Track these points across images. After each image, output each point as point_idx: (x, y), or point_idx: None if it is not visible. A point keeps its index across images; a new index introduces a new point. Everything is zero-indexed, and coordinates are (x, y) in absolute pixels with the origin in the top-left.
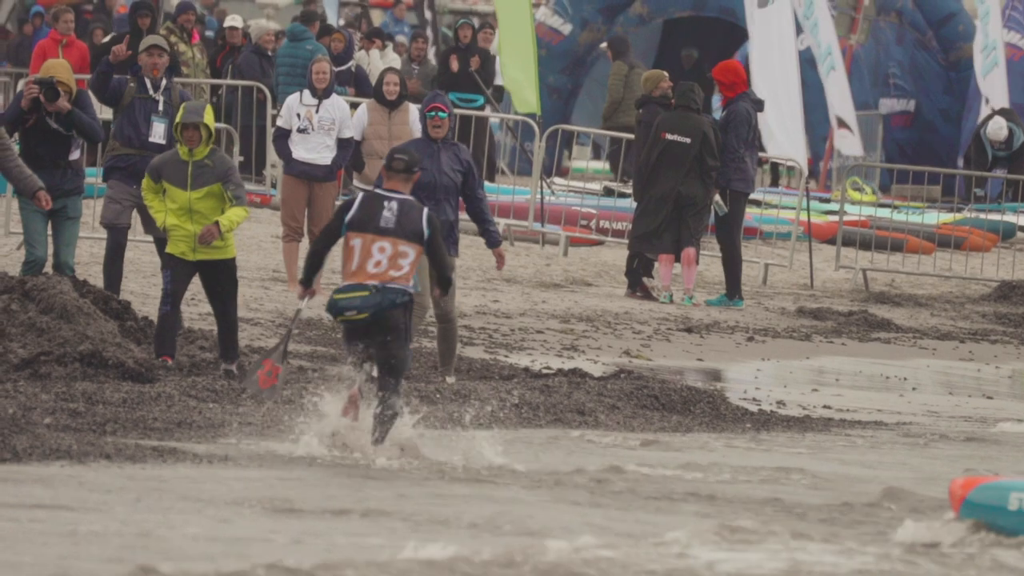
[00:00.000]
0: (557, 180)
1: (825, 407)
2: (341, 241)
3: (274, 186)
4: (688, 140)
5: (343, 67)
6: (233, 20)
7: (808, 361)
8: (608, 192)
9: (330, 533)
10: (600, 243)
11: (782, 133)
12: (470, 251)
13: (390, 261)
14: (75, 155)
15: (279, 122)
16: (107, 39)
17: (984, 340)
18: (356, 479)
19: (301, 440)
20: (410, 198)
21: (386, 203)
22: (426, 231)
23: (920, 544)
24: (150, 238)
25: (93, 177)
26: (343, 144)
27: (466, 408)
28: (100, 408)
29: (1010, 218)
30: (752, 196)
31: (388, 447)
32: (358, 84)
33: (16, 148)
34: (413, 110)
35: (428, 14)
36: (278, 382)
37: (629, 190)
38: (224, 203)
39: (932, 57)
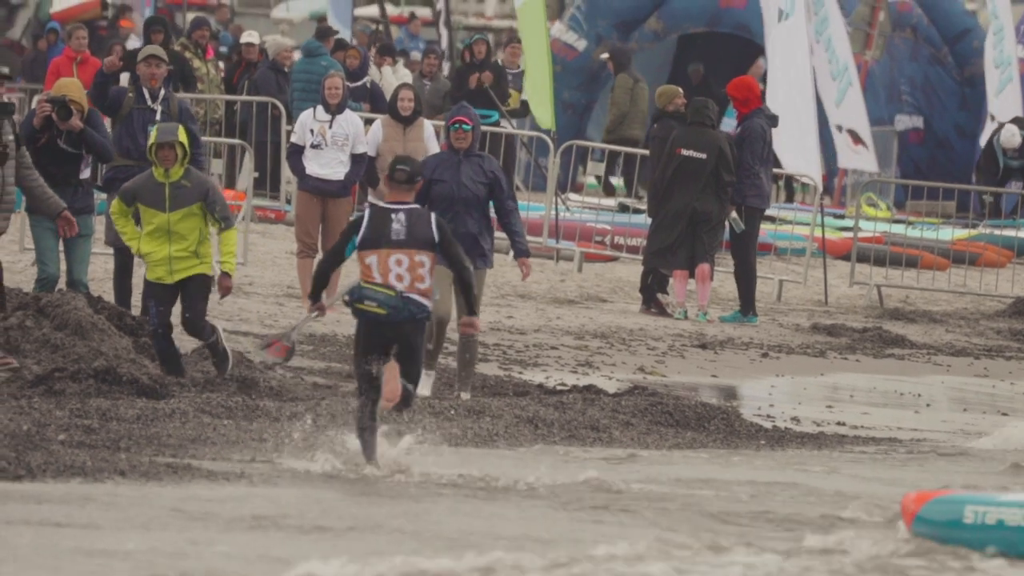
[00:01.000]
0: (572, 196)
1: (839, 423)
2: (355, 256)
3: (289, 202)
4: (704, 156)
5: (358, 83)
6: (250, 36)
7: (822, 377)
8: (623, 208)
9: (354, 550)
10: (615, 259)
11: (797, 149)
12: None
13: (410, 272)
14: (85, 173)
15: (293, 138)
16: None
17: (999, 356)
18: (384, 496)
19: (317, 456)
20: (416, 206)
21: (393, 216)
22: (436, 235)
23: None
24: None
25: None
26: (356, 159)
27: (481, 423)
28: (114, 424)
29: None
30: (767, 212)
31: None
32: (373, 100)
33: None
34: (428, 126)
35: (444, 31)
36: (285, 356)
37: (644, 206)
38: (202, 223)
39: (947, 73)
